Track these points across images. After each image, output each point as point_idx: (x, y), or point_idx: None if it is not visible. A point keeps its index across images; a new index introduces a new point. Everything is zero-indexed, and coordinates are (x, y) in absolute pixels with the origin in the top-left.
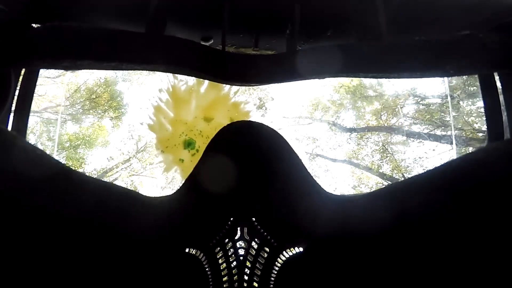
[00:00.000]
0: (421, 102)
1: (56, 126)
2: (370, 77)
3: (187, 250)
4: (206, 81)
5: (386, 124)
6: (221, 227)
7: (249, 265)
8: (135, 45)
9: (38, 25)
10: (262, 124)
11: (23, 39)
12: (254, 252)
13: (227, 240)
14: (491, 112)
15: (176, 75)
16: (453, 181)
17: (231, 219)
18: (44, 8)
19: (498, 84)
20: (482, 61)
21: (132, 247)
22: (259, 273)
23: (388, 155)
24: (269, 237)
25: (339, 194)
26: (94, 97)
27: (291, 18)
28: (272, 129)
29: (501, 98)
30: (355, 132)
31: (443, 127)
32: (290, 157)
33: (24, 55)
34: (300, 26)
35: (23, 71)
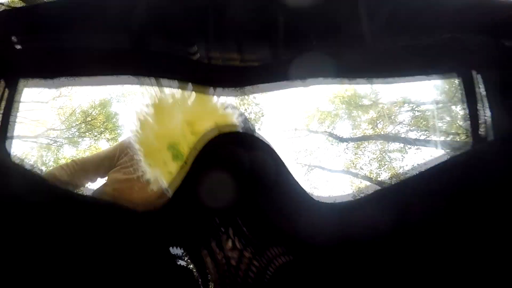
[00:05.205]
0: (416, 109)
1: (48, 151)
2: (355, 84)
3: (171, 249)
4: (193, 94)
5: (382, 132)
6: (207, 227)
7: (234, 264)
8: (119, 62)
9: (19, 37)
10: (249, 133)
11: (4, 57)
12: (239, 252)
13: (212, 239)
14: (474, 115)
15: (163, 88)
16: (444, 185)
17: (217, 219)
18: (26, 20)
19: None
20: (465, 64)
21: (116, 245)
22: (243, 273)
23: (386, 163)
24: (252, 238)
25: (323, 201)
26: (90, 119)
27: (275, 29)
28: (259, 138)
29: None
30: (352, 142)
31: (437, 133)
32: (277, 165)
33: (4, 72)
34: (285, 36)
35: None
